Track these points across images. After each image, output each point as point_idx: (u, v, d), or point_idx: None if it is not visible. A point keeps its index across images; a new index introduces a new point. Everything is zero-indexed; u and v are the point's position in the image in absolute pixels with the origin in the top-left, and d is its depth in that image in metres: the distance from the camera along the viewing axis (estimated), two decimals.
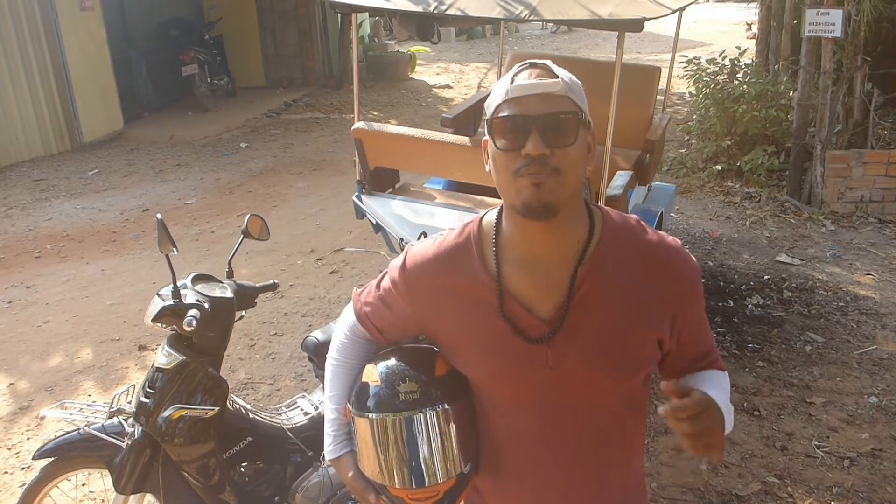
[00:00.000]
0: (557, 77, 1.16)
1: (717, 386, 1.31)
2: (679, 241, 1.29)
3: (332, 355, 1.45)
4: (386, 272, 1.39)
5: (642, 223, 1.29)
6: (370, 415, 1.27)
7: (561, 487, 1.32)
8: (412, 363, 1.30)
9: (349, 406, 1.34)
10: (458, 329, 1.28)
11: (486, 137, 1.21)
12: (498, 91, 1.19)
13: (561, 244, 1.22)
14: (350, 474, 1.37)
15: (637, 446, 1.38)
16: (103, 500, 2.91)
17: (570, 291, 1.21)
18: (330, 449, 1.42)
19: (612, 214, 1.28)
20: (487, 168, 1.22)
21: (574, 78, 1.20)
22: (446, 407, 1.26)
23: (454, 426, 1.27)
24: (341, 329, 1.46)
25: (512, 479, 1.34)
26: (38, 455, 2.19)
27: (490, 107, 1.20)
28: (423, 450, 1.24)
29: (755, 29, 10.06)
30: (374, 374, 1.30)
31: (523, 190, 1.15)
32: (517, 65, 1.21)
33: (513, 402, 1.28)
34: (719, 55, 7.36)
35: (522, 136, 1.14)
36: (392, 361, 1.31)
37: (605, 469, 1.33)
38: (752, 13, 11.58)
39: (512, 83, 1.16)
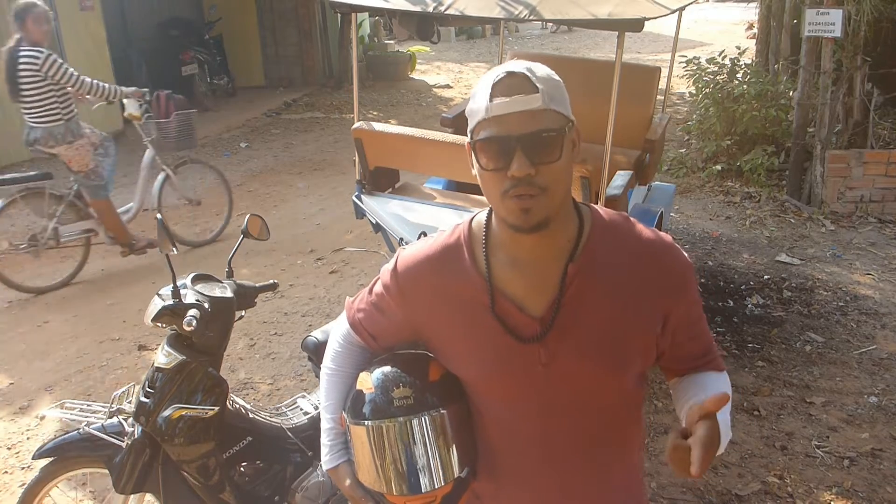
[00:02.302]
0: (537, 89, 1.12)
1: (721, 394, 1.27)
2: (670, 237, 1.29)
3: (327, 364, 1.44)
4: (377, 278, 1.39)
5: (632, 220, 1.28)
6: (365, 422, 1.26)
7: (560, 489, 1.31)
8: (406, 369, 1.30)
9: (345, 415, 1.33)
10: (451, 330, 1.28)
11: (469, 141, 1.19)
12: (477, 105, 1.15)
13: (551, 244, 1.22)
14: (347, 483, 1.37)
15: (635, 445, 1.38)
16: (103, 500, 2.91)
17: (562, 289, 1.21)
18: (327, 458, 1.41)
19: (601, 212, 1.27)
20: (474, 172, 1.20)
21: (554, 77, 1.16)
22: (441, 412, 1.26)
23: (450, 431, 1.26)
24: (335, 338, 1.45)
25: (510, 481, 1.33)
26: (38, 455, 2.19)
27: (471, 119, 1.17)
28: (418, 455, 1.24)
29: (756, 28, 10.06)
30: (368, 381, 1.30)
31: (512, 213, 1.14)
32: (493, 73, 1.16)
33: (507, 403, 1.28)
34: (719, 55, 7.36)
35: (507, 157, 1.11)
36: (386, 368, 1.30)
37: (604, 469, 1.33)
38: (752, 13, 11.58)
39: (491, 101, 1.12)
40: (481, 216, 1.30)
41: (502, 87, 1.12)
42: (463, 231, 1.29)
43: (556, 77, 1.17)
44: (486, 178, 1.16)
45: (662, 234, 1.28)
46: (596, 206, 1.29)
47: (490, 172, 1.14)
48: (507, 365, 1.23)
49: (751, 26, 10.98)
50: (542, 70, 1.15)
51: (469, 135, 1.18)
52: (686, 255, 1.28)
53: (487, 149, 1.13)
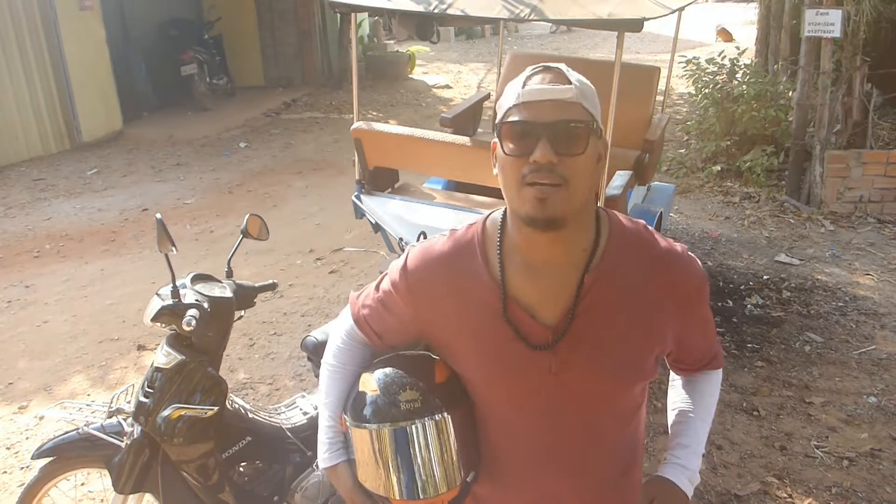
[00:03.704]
0: (571, 83, 1.13)
1: (703, 413, 1.38)
2: (686, 248, 1.28)
3: (328, 361, 1.41)
4: (385, 274, 1.37)
5: (650, 229, 1.27)
6: (369, 425, 1.24)
7: (561, 496, 1.31)
8: (411, 370, 1.27)
9: (346, 417, 1.31)
10: (459, 332, 1.26)
11: (495, 139, 1.19)
12: (509, 94, 1.16)
13: (567, 251, 1.20)
14: (349, 485, 1.34)
15: (637, 453, 1.38)
16: (102, 500, 2.91)
17: (577, 298, 1.19)
18: (325, 457, 1.38)
19: (620, 220, 1.26)
20: (495, 171, 1.20)
21: (587, 82, 1.17)
22: (449, 414, 1.23)
23: (457, 434, 1.24)
24: (338, 334, 1.43)
25: (511, 487, 1.32)
26: (37, 455, 2.19)
27: (501, 109, 1.17)
28: (426, 459, 1.22)
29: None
30: (371, 382, 1.27)
31: (528, 202, 1.13)
32: (530, 67, 1.17)
33: (513, 408, 1.26)
34: (718, 55, 7.36)
35: (531, 143, 1.11)
36: (390, 369, 1.28)
37: (607, 478, 1.32)
38: (752, 13, 11.59)
39: (524, 87, 1.13)
40: (496, 216, 1.28)
41: (537, 77, 1.15)
42: (476, 231, 1.27)
43: (591, 84, 1.18)
44: (506, 165, 1.16)
45: (678, 244, 1.28)
46: (615, 213, 1.28)
47: (512, 158, 1.14)
48: (516, 371, 1.22)
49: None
50: (577, 73, 1.18)
51: (496, 126, 1.18)
52: (701, 265, 1.28)
53: (514, 132, 1.13)
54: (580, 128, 1.12)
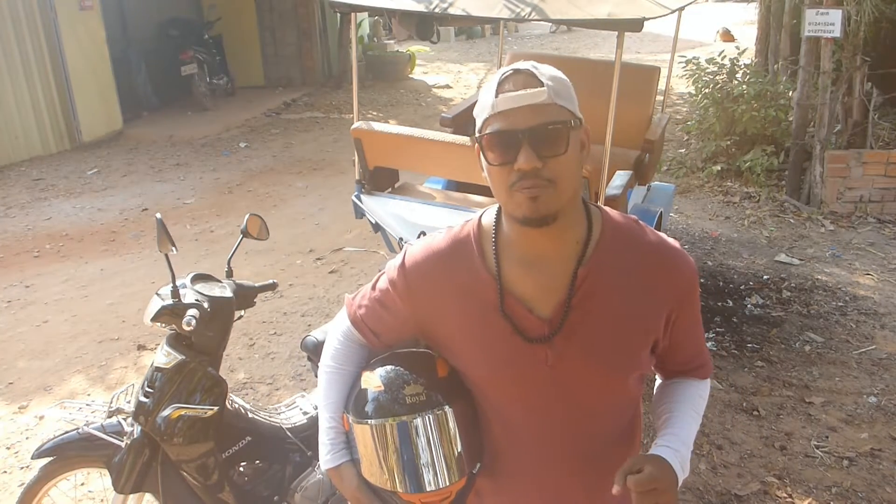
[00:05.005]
0: (542, 84, 1.13)
1: (691, 412, 1.35)
2: (677, 242, 1.30)
3: (326, 363, 1.42)
4: (381, 274, 1.38)
5: (641, 223, 1.29)
6: (373, 420, 1.25)
7: (560, 488, 1.32)
8: (412, 366, 1.29)
9: (349, 415, 1.32)
10: (458, 327, 1.27)
11: (476, 138, 1.20)
12: (484, 103, 1.17)
13: (560, 245, 1.22)
14: (354, 485, 1.34)
15: (634, 446, 1.39)
16: (102, 500, 2.91)
17: (571, 291, 1.21)
18: (327, 459, 1.38)
19: (611, 214, 1.27)
20: (484, 174, 1.21)
21: (560, 76, 1.17)
22: (453, 407, 1.25)
23: (460, 426, 1.26)
24: (334, 336, 1.44)
25: (511, 479, 1.33)
26: (37, 454, 2.19)
27: (478, 118, 1.18)
28: (436, 451, 1.23)
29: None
30: (374, 379, 1.29)
31: (520, 204, 1.14)
32: (500, 72, 1.18)
33: (512, 402, 1.28)
34: (719, 55, 7.36)
35: (513, 151, 1.12)
36: (392, 366, 1.30)
37: (605, 469, 1.32)
38: (752, 13, 11.59)
39: (497, 96, 1.14)
40: (490, 213, 1.30)
41: (508, 84, 1.14)
42: (472, 228, 1.29)
43: (563, 77, 1.18)
44: (493, 174, 1.17)
45: (669, 238, 1.29)
46: (606, 208, 1.29)
47: (497, 167, 1.15)
48: (514, 364, 1.23)
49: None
50: (548, 69, 1.17)
51: (476, 133, 1.19)
52: (692, 259, 1.29)
53: (494, 143, 1.14)
54: (559, 128, 1.13)
